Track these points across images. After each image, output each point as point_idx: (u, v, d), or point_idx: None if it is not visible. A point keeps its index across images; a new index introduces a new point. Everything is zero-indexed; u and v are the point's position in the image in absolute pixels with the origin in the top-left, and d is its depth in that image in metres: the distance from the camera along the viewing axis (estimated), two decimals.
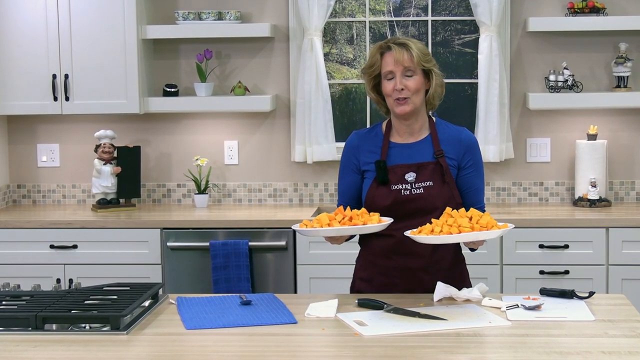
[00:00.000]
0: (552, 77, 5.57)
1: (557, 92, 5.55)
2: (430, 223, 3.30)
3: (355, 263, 3.75)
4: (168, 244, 5.28)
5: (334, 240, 3.48)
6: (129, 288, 3.47)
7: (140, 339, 3.02)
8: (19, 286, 3.61)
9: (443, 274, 3.56)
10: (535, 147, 5.77)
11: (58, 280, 5.17)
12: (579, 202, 5.56)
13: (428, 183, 3.52)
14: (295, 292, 5.28)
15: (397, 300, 3.36)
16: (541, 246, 5.16)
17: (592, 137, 5.56)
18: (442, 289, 3.41)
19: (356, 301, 3.36)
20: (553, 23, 5.53)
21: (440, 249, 3.51)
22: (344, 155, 3.69)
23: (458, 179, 3.58)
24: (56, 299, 3.31)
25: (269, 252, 5.26)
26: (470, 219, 3.26)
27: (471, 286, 3.60)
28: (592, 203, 5.50)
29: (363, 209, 3.41)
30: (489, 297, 3.39)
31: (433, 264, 3.55)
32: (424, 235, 3.25)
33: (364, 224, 3.35)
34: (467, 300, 3.38)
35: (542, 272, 5.15)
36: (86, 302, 3.29)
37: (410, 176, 3.53)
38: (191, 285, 5.26)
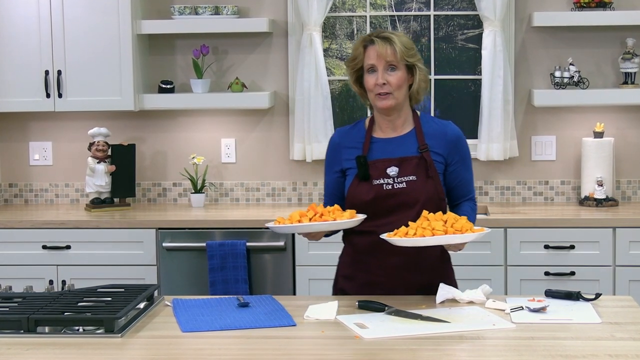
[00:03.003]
0: (557, 74, 5.54)
1: (562, 88, 5.53)
2: (407, 224, 3.34)
3: (338, 260, 3.75)
4: (163, 244, 5.26)
5: (310, 236, 3.48)
6: (123, 290, 3.45)
7: (135, 342, 3.00)
8: (10, 288, 3.57)
9: (427, 273, 3.57)
10: (540, 145, 5.75)
11: (51, 282, 5.15)
12: (585, 201, 5.54)
13: (411, 177, 3.53)
14: (294, 293, 5.25)
15: (398, 302, 3.34)
16: (546, 247, 5.14)
17: (598, 135, 5.55)
18: (444, 291, 3.40)
19: (356, 303, 3.35)
20: (558, 18, 5.50)
21: (422, 248, 3.46)
22: (327, 154, 3.71)
23: (447, 175, 3.60)
24: (49, 300, 3.30)
25: (267, 252, 5.24)
26: (445, 222, 3.30)
27: (456, 285, 3.62)
28: (599, 202, 5.48)
29: (336, 206, 3.43)
30: (493, 298, 3.37)
31: (416, 263, 3.54)
32: (398, 237, 3.29)
33: (334, 220, 3.37)
34: (471, 302, 3.36)
35: (547, 274, 5.13)
36: (79, 304, 3.27)
37: (393, 170, 3.53)
38: (187, 287, 5.24)
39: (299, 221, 3.37)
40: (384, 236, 3.34)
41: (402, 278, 3.54)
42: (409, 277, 3.54)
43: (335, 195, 3.65)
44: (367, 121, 3.66)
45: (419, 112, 3.65)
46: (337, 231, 3.61)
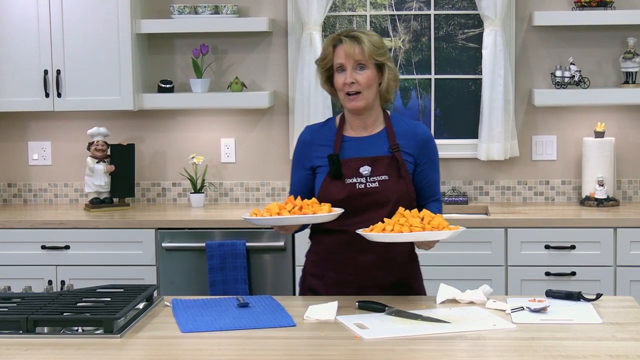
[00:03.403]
0: (558, 73, 5.52)
1: (563, 88, 5.51)
2: (383, 220, 3.34)
3: (305, 258, 3.75)
4: (163, 244, 5.24)
5: (283, 229, 3.49)
6: (122, 290, 3.44)
7: (134, 342, 2.99)
8: (9, 288, 3.55)
9: (396, 271, 3.60)
10: (541, 145, 5.73)
11: (50, 282, 5.18)
12: (586, 201, 5.51)
13: (384, 177, 3.54)
14: (294, 294, 5.20)
15: (398, 303, 3.34)
16: (547, 247, 5.12)
17: (599, 135, 5.52)
18: (445, 291, 3.40)
19: (356, 303, 3.34)
20: (559, 17, 5.49)
21: (393, 246, 3.49)
22: (296, 151, 3.70)
23: (415, 175, 3.61)
24: (48, 301, 3.28)
25: (266, 253, 5.22)
26: (422, 219, 3.31)
27: (423, 285, 3.70)
28: (600, 202, 5.45)
29: (314, 199, 3.43)
30: (494, 299, 3.36)
31: (386, 261, 3.56)
32: (375, 233, 3.28)
33: (314, 213, 3.35)
34: (471, 303, 3.36)
35: (548, 274, 5.12)
36: (78, 304, 3.26)
37: (365, 170, 3.54)
38: (187, 287, 5.22)
39: (279, 214, 3.35)
40: (360, 232, 3.33)
41: (372, 277, 3.55)
42: (379, 275, 3.55)
43: (303, 193, 3.62)
44: (337, 119, 3.66)
45: (389, 112, 3.66)
46: (308, 225, 3.61)
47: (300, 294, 3.74)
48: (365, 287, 3.53)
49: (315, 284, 3.63)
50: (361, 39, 3.49)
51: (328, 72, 3.58)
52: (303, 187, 3.64)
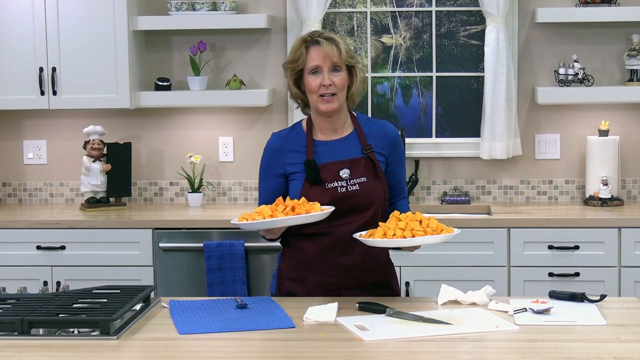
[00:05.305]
0: (561, 71, 5.51)
1: (567, 86, 5.49)
2: (375, 223, 3.38)
3: (277, 263, 3.73)
4: (160, 244, 5.23)
5: (270, 232, 3.44)
6: (119, 291, 3.43)
7: (131, 344, 2.98)
8: (4, 289, 3.53)
9: (378, 272, 3.64)
10: (544, 144, 5.71)
11: (45, 283, 5.17)
12: (590, 201, 5.49)
13: (362, 179, 3.56)
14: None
15: (399, 304, 3.34)
16: (550, 247, 5.10)
17: (603, 133, 5.51)
18: (446, 292, 3.39)
19: (357, 305, 3.32)
20: (563, 14, 5.48)
21: (374, 247, 3.49)
22: (265, 158, 3.67)
23: (386, 174, 3.64)
24: (43, 302, 3.27)
25: (265, 253, 5.20)
26: (420, 222, 3.31)
27: (398, 283, 3.74)
28: (604, 202, 5.44)
29: (303, 199, 3.40)
30: (496, 300, 3.36)
31: (368, 262, 3.59)
32: (377, 238, 3.30)
33: (307, 213, 3.32)
34: (473, 304, 3.35)
35: (551, 274, 5.09)
36: (74, 305, 3.25)
37: (345, 173, 3.55)
38: (184, 288, 5.21)
39: (272, 216, 3.30)
40: (359, 237, 3.34)
41: (354, 278, 3.56)
42: (361, 276, 3.57)
43: (272, 201, 3.54)
44: (304, 123, 3.64)
45: (355, 113, 3.66)
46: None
47: None
48: (348, 289, 3.54)
49: (295, 288, 3.62)
50: (337, 41, 3.52)
51: (296, 75, 3.58)
52: (275, 196, 3.57)
